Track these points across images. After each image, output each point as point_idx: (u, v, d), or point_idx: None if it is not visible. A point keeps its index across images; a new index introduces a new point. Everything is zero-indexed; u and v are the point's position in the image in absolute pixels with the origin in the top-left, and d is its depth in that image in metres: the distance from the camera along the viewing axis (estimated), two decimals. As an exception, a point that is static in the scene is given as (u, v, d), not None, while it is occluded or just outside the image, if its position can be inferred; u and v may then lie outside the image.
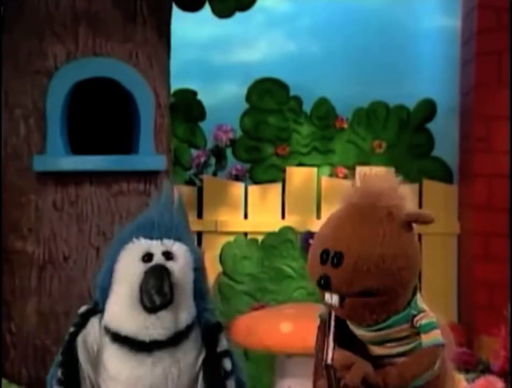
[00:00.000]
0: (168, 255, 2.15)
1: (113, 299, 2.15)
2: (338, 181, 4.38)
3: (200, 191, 4.39)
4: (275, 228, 4.30)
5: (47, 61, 3.44)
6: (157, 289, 2.09)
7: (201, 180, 4.42)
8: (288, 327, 3.22)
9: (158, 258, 2.13)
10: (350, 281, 1.85)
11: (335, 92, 4.49)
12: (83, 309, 2.21)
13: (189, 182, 4.43)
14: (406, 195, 1.95)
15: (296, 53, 4.62)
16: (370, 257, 1.85)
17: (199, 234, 4.32)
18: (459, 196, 4.46)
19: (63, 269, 3.41)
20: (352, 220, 1.91)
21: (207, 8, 3.88)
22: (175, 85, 4.03)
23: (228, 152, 4.47)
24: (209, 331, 2.23)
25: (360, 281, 1.85)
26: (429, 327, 1.90)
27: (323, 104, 4.48)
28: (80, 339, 2.15)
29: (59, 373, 2.14)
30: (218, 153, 4.46)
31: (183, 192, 4.30)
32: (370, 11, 4.58)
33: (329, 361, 1.91)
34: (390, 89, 4.53)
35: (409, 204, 1.94)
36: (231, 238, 4.31)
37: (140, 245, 2.15)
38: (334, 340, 1.93)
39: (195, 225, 4.29)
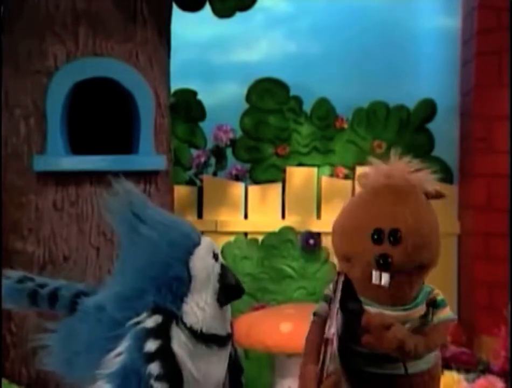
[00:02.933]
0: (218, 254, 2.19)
1: (197, 302, 2.10)
2: (338, 181, 4.38)
3: (200, 191, 4.39)
4: (275, 228, 4.30)
5: (47, 61, 3.44)
6: (240, 285, 2.16)
7: (201, 180, 4.42)
8: (288, 327, 3.22)
9: (220, 258, 2.17)
10: (411, 257, 1.91)
11: (335, 92, 4.49)
12: (156, 319, 2.08)
13: (190, 182, 4.43)
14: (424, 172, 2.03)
15: (296, 53, 4.62)
16: (423, 232, 1.93)
17: (199, 234, 4.31)
18: (460, 196, 4.45)
19: (63, 269, 3.41)
20: (393, 198, 1.95)
21: (207, 8, 3.88)
22: (175, 85, 4.03)
23: (228, 152, 4.47)
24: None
25: (418, 256, 1.92)
26: (444, 303, 2.02)
27: (323, 104, 4.48)
28: (176, 347, 2.05)
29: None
30: (218, 153, 4.46)
31: (182, 192, 4.30)
32: (370, 11, 4.58)
33: (330, 335, 1.90)
34: (390, 89, 4.52)
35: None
36: (231, 238, 4.31)
37: (208, 243, 2.16)
38: (337, 315, 1.93)
39: (195, 225, 4.28)
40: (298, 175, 4.43)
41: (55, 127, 3.44)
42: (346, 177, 4.40)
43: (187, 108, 4.42)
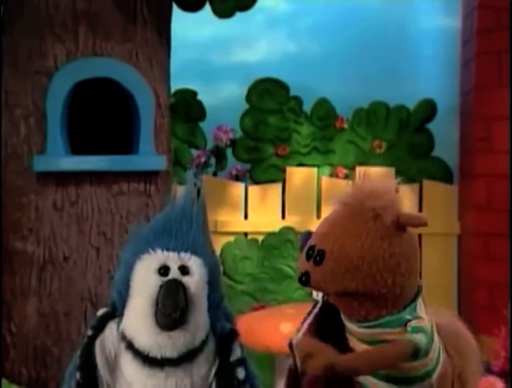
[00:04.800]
0: (184, 270, 2.12)
1: (130, 307, 2.11)
2: (338, 181, 4.38)
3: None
4: (275, 228, 4.30)
5: (47, 61, 3.44)
6: (171, 307, 2.04)
7: (201, 180, 4.42)
8: (288, 327, 3.21)
9: (174, 273, 2.10)
10: (329, 280, 1.86)
11: (335, 92, 4.49)
12: (101, 311, 2.15)
13: (189, 182, 4.42)
14: (401, 197, 1.91)
15: (296, 53, 4.62)
16: (349, 259, 1.84)
17: (199, 234, 4.31)
18: (460, 196, 4.46)
19: (63, 269, 3.41)
20: (341, 220, 1.91)
21: (207, 8, 3.88)
22: (175, 85, 4.03)
23: (228, 152, 4.47)
24: (223, 340, 2.20)
25: (338, 281, 1.85)
26: (417, 330, 1.85)
27: (323, 104, 4.48)
28: (98, 343, 2.10)
29: (78, 375, 2.12)
30: (218, 153, 4.46)
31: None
32: (370, 11, 4.58)
33: (294, 341, 1.92)
34: (390, 89, 4.53)
35: (404, 206, 1.90)
36: (231, 238, 4.31)
37: (156, 257, 2.10)
38: (310, 326, 1.94)
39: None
40: (298, 175, 4.43)
41: (55, 127, 3.44)
42: (346, 177, 4.40)
43: (187, 108, 4.42)
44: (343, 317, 1.93)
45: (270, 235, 4.28)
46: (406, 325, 1.87)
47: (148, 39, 3.56)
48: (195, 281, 2.10)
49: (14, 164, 3.47)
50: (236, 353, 2.19)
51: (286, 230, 4.27)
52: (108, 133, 3.65)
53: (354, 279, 1.84)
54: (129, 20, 3.51)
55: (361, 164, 4.41)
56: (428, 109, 4.50)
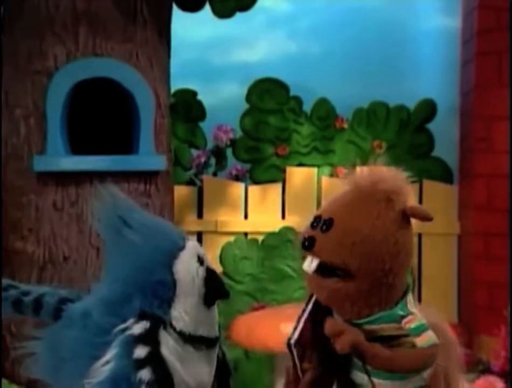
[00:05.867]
0: (203, 257, 2.17)
1: (183, 305, 2.10)
2: (338, 181, 4.37)
3: (200, 191, 4.39)
4: (275, 228, 4.30)
5: (47, 61, 3.45)
6: (225, 288, 2.20)
7: (201, 180, 4.42)
8: (288, 327, 3.21)
9: (206, 260, 2.16)
10: (333, 248, 1.83)
11: (335, 92, 4.49)
12: (144, 325, 2.06)
13: (190, 182, 4.43)
14: (410, 192, 1.94)
15: (296, 53, 4.62)
16: (358, 233, 1.83)
17: (199, 234, 4.32)
18: (460, 196, 4.46)
19: (63, 269, 3.41)
20: (351, 197, 1.91)
21: (207, 8, 3.88)
22: (175, 85, 4.03)
23: (228, 152, 4.47)
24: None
25: (342, 252, 1.82)
26: (420, 330, 1.86)
27: (323, 104, 4.48)
28: (166, 353, 2.05)
29: None
30: (218, 153, 4.46)
31: (182, 192, 4.30)
32: (370, 11, 4.58)
33: (292, 340, 1.91)
34: (390, 89, 4.52)
35: (412, 200, 1.92)
36: (231, 238, 4.31)
37: (192, 248, 2.13)
38: (305, 323, 1.92)
39: (195, 225, 4.29)
40: (298, 175, 4.43)
41: (55, 127, 3.44)
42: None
43: (187, 108, 4.42)
44: (335, 316, 1.93)
45: (270, 235, 4.28)
46: (400, 321, 1.87)
47: (148, 39, 3.56)
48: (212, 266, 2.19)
49: (14, 164, 3.48)
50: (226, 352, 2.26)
51: (286, 230, 4.27)
52: (108, 133, 3.65)
53: (358, 255, 1.82)
54: (129, 20, 3.52)
55: (361, 164, 4.41)
56: (428, 109, 4.50)
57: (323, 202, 1.97)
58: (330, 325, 1.86)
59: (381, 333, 1.87)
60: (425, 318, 1.91)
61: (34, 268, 3.42)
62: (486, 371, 3.67)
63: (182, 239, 2.14)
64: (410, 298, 1.92)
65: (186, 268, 2.10)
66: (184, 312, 2.10)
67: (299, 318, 1.96)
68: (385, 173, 1.94)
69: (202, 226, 4.34)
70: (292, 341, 1.92)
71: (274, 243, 4.27)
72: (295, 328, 1.94)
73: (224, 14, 3.89)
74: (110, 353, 2.03)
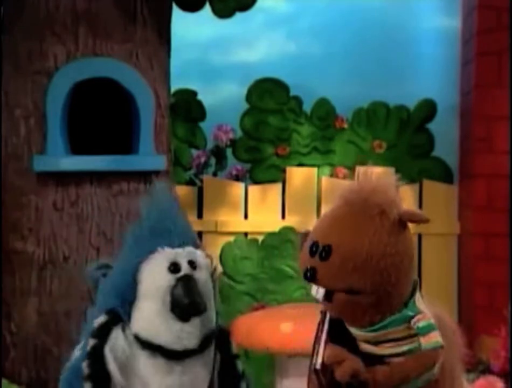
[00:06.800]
0: (192, 264, 2.13)
1: (142, 309, 2.12)
2: (338, 181, 4.38)
3: (200, 191, 4.39)
4: (275, 228, 4.30)
5: (47, 61, 3.44)
6: (190, 302, 2.09)
7: (201, 180, 4.42)
8: (288, 327, 3.21)
9: (185, 268, 2.12)
10: (336, 276, 1.84)
11: (335, 92, 4.49)
12: (101, 319, 2.15)
13: (190, 182, 4.43)
14: (402, 194, 1.92)
15: (296, 53, 4.62)
16: (358, 254, 1.83)
17: (199, 234, 4.31)
18: (460, 196, 4.45)
19: (63, 269, 3.41)
20: (343, 216, 1.90)
21: (207, 8, 3.88)
22: (175, 85, 4.03)
23: (228, 152, 4.47)
24: (223, 334, 2.23)
25: (346, 277, 1.83)
26: (427, 330, 1.87)
27: (323, 104, 4.48)
28: (107, 350, 2.10)
29: (89, 386, 2.11)
30: (218, 153, 4.46)
31: (182, 192, 4.30)
32: (370, 11, 4.58)
33: (318, 366, 1.90)
34: (390, 89, 4.52)
35: (405, 203, 1.91)
36: (231, 238, 4.30)
37: (165, 254, 2.12)
38: (325, 344, 1.92)
39: (195, 225, 4.28)
40: (298, 175, 4.43)
41: (55, 127, 3.44)
42: (346, 177, 4.40)
43: (187, 108, 4.42)
44: (346, 324, 1.93)
45: (270, 235, 4.28)
46: (409, 321, 1.88)
47: (148, 39, 3.56)
48: (204, 274, 2.16)
49: (14, 164, 3.48)
50: (234, 348, 2.23)
51: (286, 230, 4.27)
52: (108, 133, 3.65)
53: (362, 276, 1.83)
54: (129, 20, 3.51)
55: (361, 164, 4.41)
56: (428, 109, 4.50)
57: (318, 224, 1.95)
58: (330, 354, 1.86)
59: (390, 336, 1.89)
60: (428, 309, 1.92)
61: (34, 268, 3.42)
62: (486, 371, 3.67)
63: (158, 244, 2.13)
64: (418, 295, 1.93)
65: (151, 274, 2.11)
66: (142, 316, 2.10)
67: (317, 339, 1.94)
68: (375, 184, 1.91)
69: (202, 226, 4.34)
70: (318, 366, 1.90)
71: (274, 243, 4.27)
72: (316, 352, 1.92)
73: (224, 14, 3.89)
74: (83, 341, 2.16)
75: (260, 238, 4.30)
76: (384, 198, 1.88)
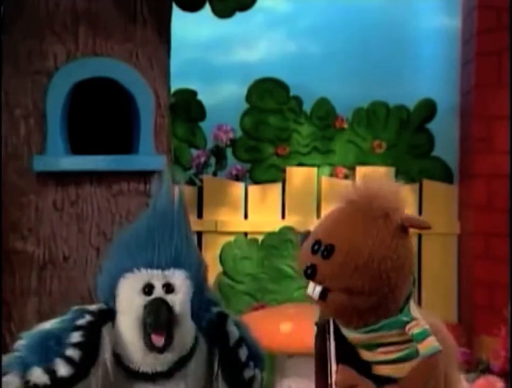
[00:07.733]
0: (168, 288, 2.10)
1: (117, 323, 2.11)
2: (338, 181, 4.38)
3: (200, 191, 4.39)
4: (275, 228, 4.30)
5: (47, 61, 3.44)
6: (155, 328, 2.05)
7: (201, 180, 4.42)
8: (288, 327, 3.22)
9: (158, 291, 2.09)
10: (336, 274, 1.84)
11: (335, 92, 4.49)
12: (100, 307, 2.15)
13: (190, 182, 4.43)
14: (405, 198, 1.92)
15: (296, 53, 4.62)
16: (360, 255, 1.83)
17: (199, 234, 4.32)
18: (460, 196, 4.46)
19: (63, 269, 3.41)
20: (347, 217, 1.90)
21: (207, 8, 3.88)
22: (175, 85, 4.03)
23: (228, 152, 4.47)
24: (213, 327, 2.19)
25: (346, 276, 1.83)
26: (423, 336, 1.86)
27: (323, 104, 4.48)
28: (105, 333, 2.09)
29: (75, 352, 2.07)
30: (218, 153, 4.46)
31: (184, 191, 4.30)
32: (370, 11, 4.58)
33: (334, 386, 1.89)
34: (390, 89, 4.53)
35: (408, 207, 1.91)
36: (231, 238, 4.31)
37: (141, 276, 2.09)
38: (336, 361, 1.91)
39: (195, 225, 4.29)
40: (298, 175, 4.43)
41: (55, 127, 3.44)
42: (346, 177, 4.40)
43: (187, 108, 4.43)
44: (342, 329, 1.92)
45: (270, 235, 4.29)
46: (404, 327, 1.88)
47: (148, 39, 3.56)
48: (180, 299, 2.09)
49: (14, 164, 3.47)
50: (234, 335, 2.19)
51: (286, 230, 4.27)
52: (108, 133, 3.65)
53: (362, 277, 1.82)
54: (129, 20, 3.51)
55: (361, 164, 4.41)
56: (428, 109, 4.50)
57: (321, 223, 1.95)
58: (342, 377, 1.86)
59: (384, 340, 1.89)
60: (423, 319, 1.92)
61: (34, 268, 3.42)
62: (486, 370, 3.67)
63: (131, 268, 2.12)
64: (412, 303, 1.93)
65: (126, 292, 2.10)
66: (117, 329, 2.09)
67: (322, 356, 1.93)
68: (380, 186, 1.91)
69: (202, 226, 4.34)
70: (335, 387, 1.90)
71: (274, 243, 4.27)
72: (330, 371, 1.91)
73: (224, 14, 3.89)
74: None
75: (260, 238, 4.30)
76: (389, 201, 1.88)
